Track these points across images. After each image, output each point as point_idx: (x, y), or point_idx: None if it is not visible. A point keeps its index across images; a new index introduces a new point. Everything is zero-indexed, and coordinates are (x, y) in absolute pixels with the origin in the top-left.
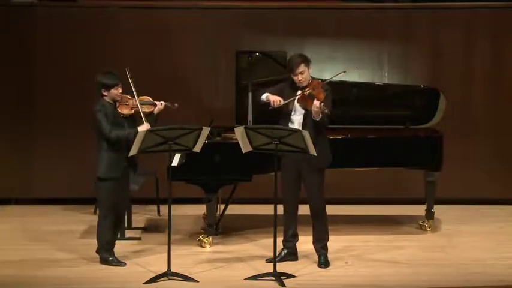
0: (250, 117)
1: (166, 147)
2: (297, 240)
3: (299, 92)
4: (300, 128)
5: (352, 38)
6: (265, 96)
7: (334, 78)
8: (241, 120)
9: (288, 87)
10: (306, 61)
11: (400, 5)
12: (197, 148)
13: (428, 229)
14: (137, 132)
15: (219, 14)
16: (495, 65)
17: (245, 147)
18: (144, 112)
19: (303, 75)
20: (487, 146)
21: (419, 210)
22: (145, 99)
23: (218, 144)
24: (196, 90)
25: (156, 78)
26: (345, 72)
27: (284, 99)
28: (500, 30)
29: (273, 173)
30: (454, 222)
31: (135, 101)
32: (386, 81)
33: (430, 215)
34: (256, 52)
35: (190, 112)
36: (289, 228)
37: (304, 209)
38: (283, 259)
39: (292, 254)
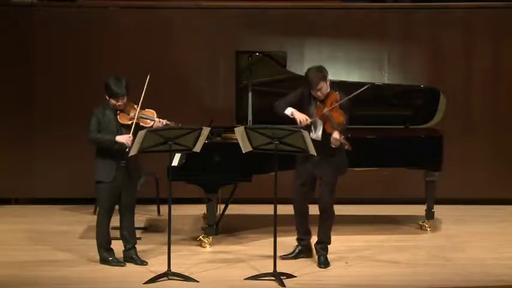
0: (250, 117)
1: (166, 147)
2: (310, 237)
3: (318, 103)
4: (320, 135)
5: (352, 38)
6: (289, 113)
7: (355, 93)
8: (241, 120)
9: (307, 97)
10: (324, 77)
11: (400, 5)
12: (197, 148)
13: (428, 229)
14: (113, 140)
15: (219, 13)
16: (495, 65)
17: (245, 147)
18: (142, 126)
19: (321, 91)
20: (487, 146)
21: (419, 210)
22: (147, 113)
23: (218, 144)
24: (196, 90)
25: (156, 78)
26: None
27: (304, 108)
28: (500, 30)
29: (273, 173)
30: (454, 222)
31: (136, 112)
32: (386, 81)
33: (430, 215)
34: (256, 52)
35: (190, 112)
36: (300, 226)
37: (312, 209)
38: (297, 256)
39: (305, 251)
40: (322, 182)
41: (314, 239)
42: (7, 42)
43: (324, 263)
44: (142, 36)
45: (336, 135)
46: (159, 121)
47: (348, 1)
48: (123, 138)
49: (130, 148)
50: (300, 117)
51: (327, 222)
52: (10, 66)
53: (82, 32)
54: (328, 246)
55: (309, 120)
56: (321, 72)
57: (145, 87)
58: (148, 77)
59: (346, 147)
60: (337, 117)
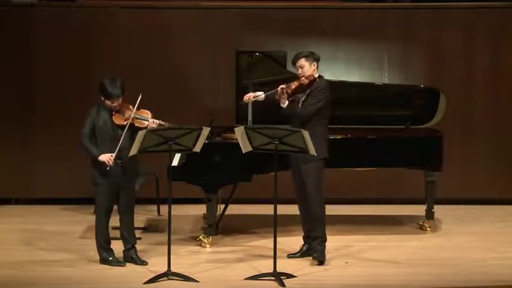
0: (250, 117)
1: (166, 147)
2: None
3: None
4: (291, 124)
5: (352, 38)
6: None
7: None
8: (241, 120)
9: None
10: (309, 57)
11: (400, 5)
12: (197, 148)
13: (428, 229)
14: (96, 156)
15: (219, 14)
16: (495, 65)
17: (245, 147)
18: (137, 126)
19: (303, 69)
20: (487, 146)
21: (419, 210)
22: (143, 114)
23: (218, 144)
24: (196, 90)
25: (156, 79)
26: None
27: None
28: (500, 30)
29: (273, 173)
30: (454, 222)
31: (132, 113)
32: (386, 81)
33: (430, 215)
34: (256, 52)
35: (190, 112)
36: (305, 224)
37: None
38: (303, 255)
39: (312, 250)
40: (302, 175)
41: (301, 241)
42: (7, 42)
43: (319, 257)
44: (142, 36)
45: (280, 86)
46: (153, 121)
47: (348, 1)
48: (105, 158)
49: (111, 167)
50: (246, 95)
51: (318, 218)
52: (10, 66)
53: (82, 32)
54: (326, 243)
55: (252, 96)
56: (308, 52)
57: (136, 104)
58: (140, 97)
59: (285, 96)
60: (293, 83)
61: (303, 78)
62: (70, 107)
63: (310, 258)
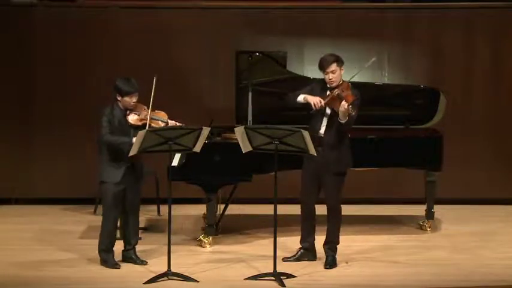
0: (250, 117)
1: (166, 147)
2: (314, 240)
3: (328, 93)
4: (323, 130)
5: (352, 38)
6: (302, 98)
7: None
8: (241, 120)
9: (319, 88)
10: (339, 61)
11: (400, 5)
12: (197, 148)
13: (428, 229)
14: (131, 143)
15: (219, 14)
16: (495, 65)
17: (245, 147)
18: (152, 127)
19: (334, 74)
20: (487, 146)
21: (419, 210)
22: (159, 115)
23: (218, 144)
24: (196, 90)
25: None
26: (374, 59)
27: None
28: (500, 30)
29: (273, 173)
30: (454, 222)
31: (148, 114)
32: (386, 81)
33: (430, 215)
34: (256, 52)
35: (190, 112)
36: (305, 228)
37: (319, 210)
38: (299, 259)
39: (308, 254)
40: (327, 183)
41: (319, 240)
42: (7, 42)
43: (330, 264)
44: (142, 36)
45: (344, 103)
46: (172, 124)
47: (348, 1)
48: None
49: None
50: (314, 99)
51: (335, 221)
52: (10, 66)
53: (82, 32)
54: (337, 246)
55: (323, 102)
56: (335, 55)
57: (153, 89)
58: (155, 79)
59: (353, 113)
60: (348, 96)
61: (350, 89)
62: (70, 107)
63: (313, 261)
